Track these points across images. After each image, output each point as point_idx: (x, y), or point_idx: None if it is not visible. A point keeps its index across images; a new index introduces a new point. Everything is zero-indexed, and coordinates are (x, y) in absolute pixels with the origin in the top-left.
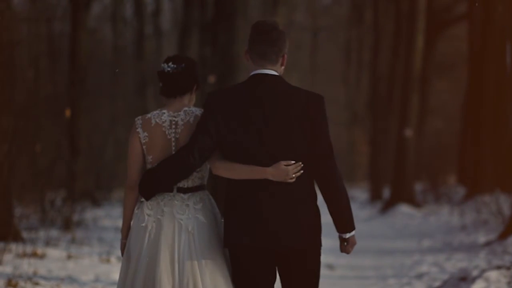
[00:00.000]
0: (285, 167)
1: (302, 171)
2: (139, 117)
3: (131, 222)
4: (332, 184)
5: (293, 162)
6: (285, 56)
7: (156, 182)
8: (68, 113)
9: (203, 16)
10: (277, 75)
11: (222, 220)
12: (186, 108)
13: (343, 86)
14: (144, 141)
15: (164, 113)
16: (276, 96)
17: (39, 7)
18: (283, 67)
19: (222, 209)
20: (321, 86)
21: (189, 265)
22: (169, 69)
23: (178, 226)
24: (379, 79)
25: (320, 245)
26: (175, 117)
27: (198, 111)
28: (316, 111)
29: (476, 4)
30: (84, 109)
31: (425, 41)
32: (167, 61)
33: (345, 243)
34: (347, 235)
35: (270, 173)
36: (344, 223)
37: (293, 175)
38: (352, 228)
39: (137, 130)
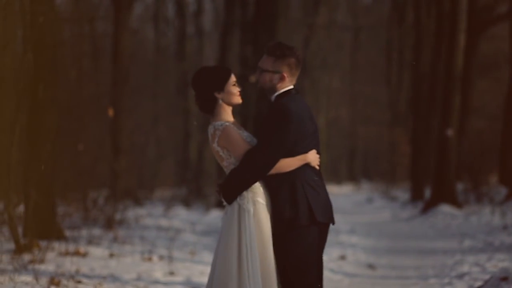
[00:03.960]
0: (316, 154)
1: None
2: None
3: None
4: None
5: (315, 151)
6: None
7: (242, 184)
8: (111, 112)
9: (244, 16)
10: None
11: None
12: (211, 124)
13: (385, 85)
14: None
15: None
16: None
17: (82, 7)
18: None
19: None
20: (362, 85)
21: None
22: None
23: (242, 210)
24: (420, 78)
25: None
26: (209, 130)
27: (216, 125)
28: None
29: None
30: (126, 108)
31: (466, 40)
32: None
33: None
34: None
35: (310, 158)
36: None
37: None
38: None
39: None
